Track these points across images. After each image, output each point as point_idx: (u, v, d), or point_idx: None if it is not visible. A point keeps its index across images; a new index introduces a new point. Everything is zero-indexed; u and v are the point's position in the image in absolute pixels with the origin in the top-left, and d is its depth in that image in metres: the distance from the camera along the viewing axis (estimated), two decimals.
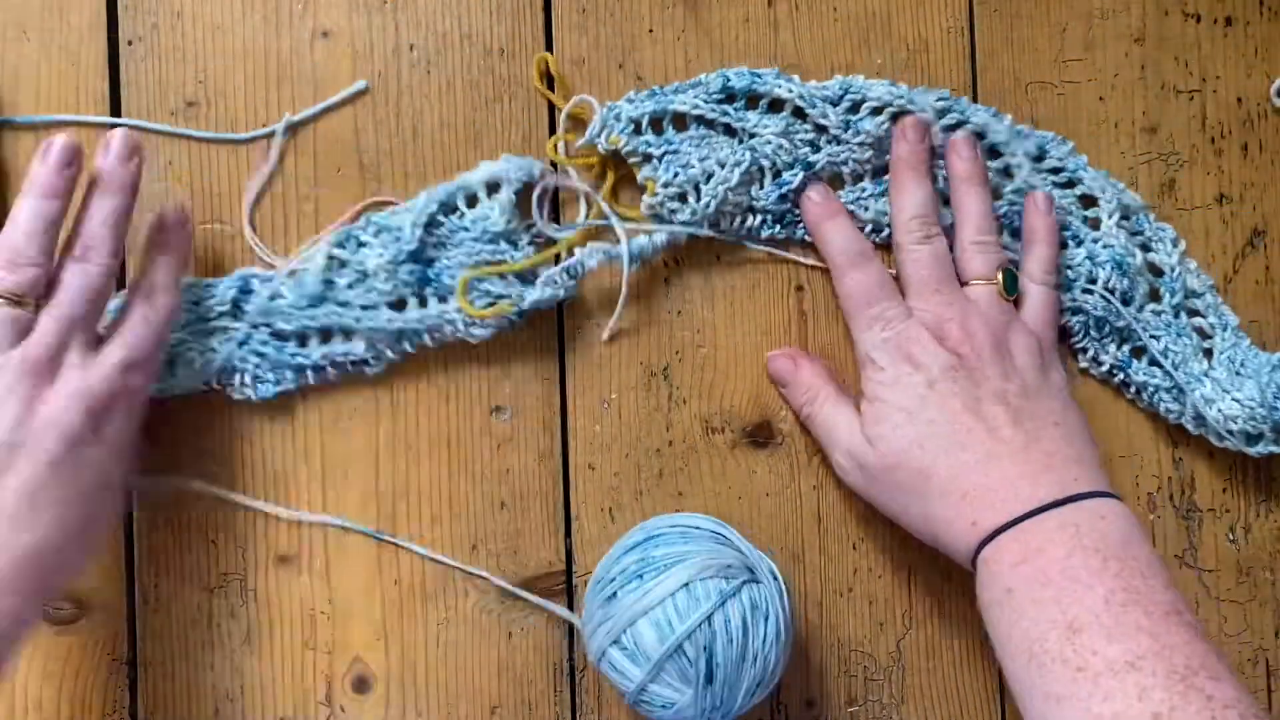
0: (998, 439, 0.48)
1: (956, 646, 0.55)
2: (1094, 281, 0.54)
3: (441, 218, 0.52)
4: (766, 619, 0.48)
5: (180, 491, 0.53)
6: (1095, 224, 0.55)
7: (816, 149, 0.54)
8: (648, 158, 0.53)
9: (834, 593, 0.55)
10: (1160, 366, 0.54)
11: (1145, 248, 0.55)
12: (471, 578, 0.54)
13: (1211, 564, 0.57)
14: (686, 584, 0.47)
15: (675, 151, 0.53)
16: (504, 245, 0.53)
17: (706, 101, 0.53)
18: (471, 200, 0.53)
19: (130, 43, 0.53)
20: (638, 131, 0.53)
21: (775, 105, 0.54)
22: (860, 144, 0.53)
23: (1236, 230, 0.57)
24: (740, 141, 0.54)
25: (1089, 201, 0.55)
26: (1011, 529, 0.45)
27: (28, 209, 0.45)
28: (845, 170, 0.54)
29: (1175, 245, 0.56)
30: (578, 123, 0.54)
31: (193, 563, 0.53)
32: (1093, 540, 0.44)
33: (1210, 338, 0.55)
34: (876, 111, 0.54)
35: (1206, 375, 0.54)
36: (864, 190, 0.54)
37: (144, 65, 0.53)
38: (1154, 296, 0.55)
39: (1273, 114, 0.57)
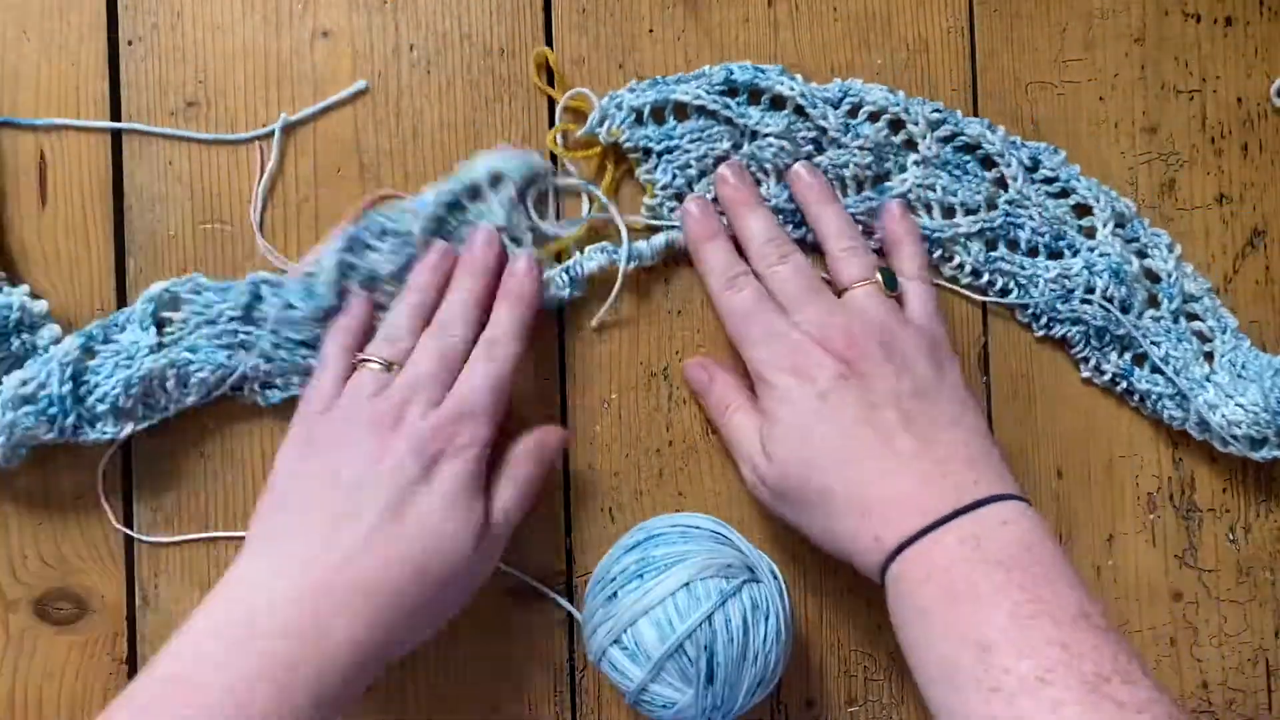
0: (892, 448, 0.47)
1: None
2: (1092, 291, 0.54)
3: (446, 217, 0.53)
4: (767, 618, 0.48)
5: None
6: (1090, 233, 0.55)
7: (820, 150, 0.54)
8: (647, 153, 0.54)
9: (834, 593, 0.55)
10: (1162, 373, 0.55)
11: (1141, 254, 0.56)
12: None
13: (1211, 564, 0.57)
14: (687, 583, 0.47)
15: (675, 148, 0.53)
16: (506, 241, 0.53)
17: (709, 92, 0.53)
18: (474, 193, 0.53)
19: (130, 43, 0.53)
20: (639, 122, 0.53)
21: (777, 103, 0.54)
22: (860, 148, 0.53)
23: (1236, 230, 0.57)
24: (741, 135, 0.54)
25: (1083, 211, 0.56)
26: (914, 544, 0.45)
27: (410, 300, 0.51)
28: (846, 174, 0.54)
29: (1171, 250, 0.56)
30: (578, 116, 0.54)
31: (193, 563, 0.53)
32: (995, 551, 0.44)
33: (1210, 341, 0.55)
34: (874, 117, 0.54)
35: (1209, 380, 0.54)
36: (870, 200, 0.54)
37: (144, 65, 0.53)
38: (1152, 303, 0.55)
39: (1273, 114, 0.57)
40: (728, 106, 0.53)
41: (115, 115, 0.53)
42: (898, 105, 0.54)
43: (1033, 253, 0.55)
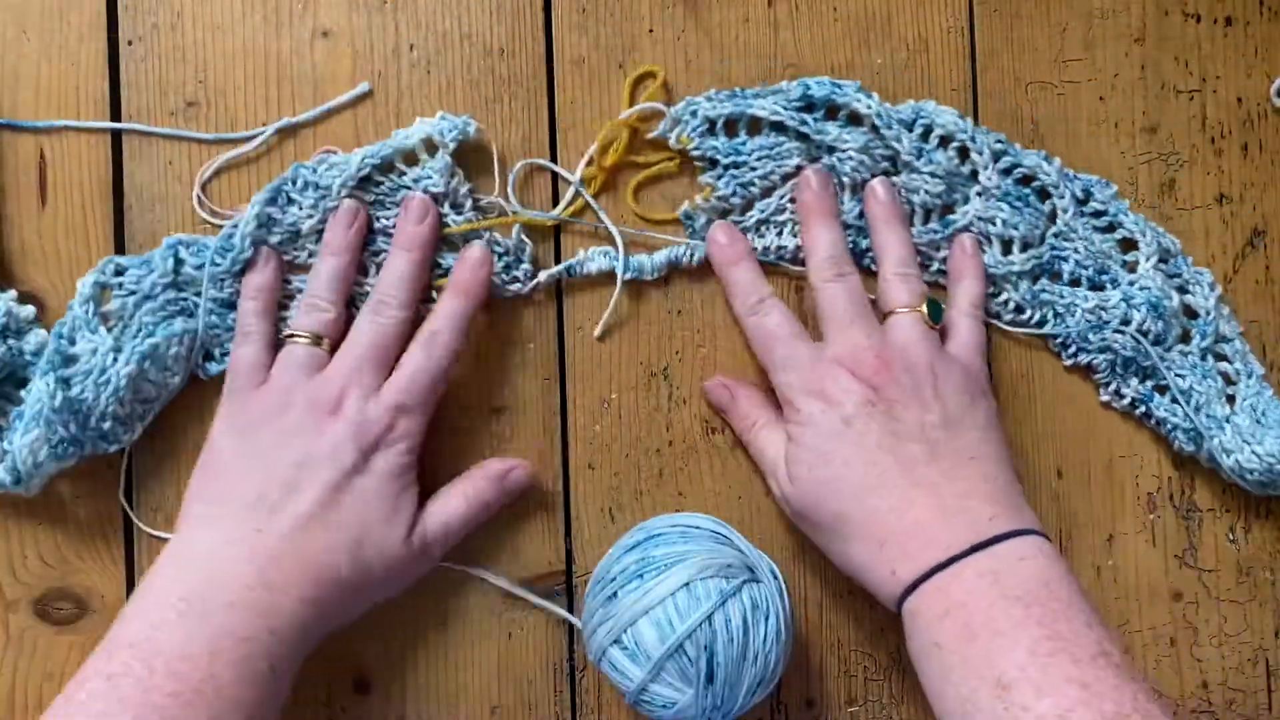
0: (912, 479, 0.47)
1: None
2: (1127, 323, 0.54)
3: (380, 177, 0.52)
4: (767, 618, 0.48)
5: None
6: (1133, 267, 0.55)
7: (895, 170, 0.54)
8: (713, 163, 0.54)
9: (834, 593, 0.55)
10: (1181, 407, 0.54)
11: (1182, 290, 0.56)
12: (472, 577, 0.54)
13: (1211, 564, 0.57)
14: (687, 583, 0.47)
15: (741, 164, 0.53)
16: (445, 208, 0.52)
17: (786, 108, 0.53)
18: (410, 159, 0.53)
19: (130, 43, 0.53)
20: (710, 132, 0.54)
21: (854, 119, 0.54)
22: (932, 174, 0.53)
23: (1236, 230, 0.57)
24: (817, 150, 0.54)
25: (1129, 245, 0.56)
26: (931, 579, 0.45)
27: (327, 266, 0.51)
28: (916, 200, 0.54)
29: (1212, 289, 0.55)
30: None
31: None
32: (1013, 587, 0.44)
33: (1235, 384, 0.55)
34: (944, 142, 0.54)
35: (1228, 421, 0.54)
36: (934, 232, 0.54)
37: (144, 65, 0.53)
38: (1184, 338, 0.55)
39: (1273, 114, 0.57)
40: (805, 123, 0.53)
41: (115, 115, 0.53)
42: (965, 132, 0.54)
43: (1074, 284, 0.55)
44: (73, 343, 0.50)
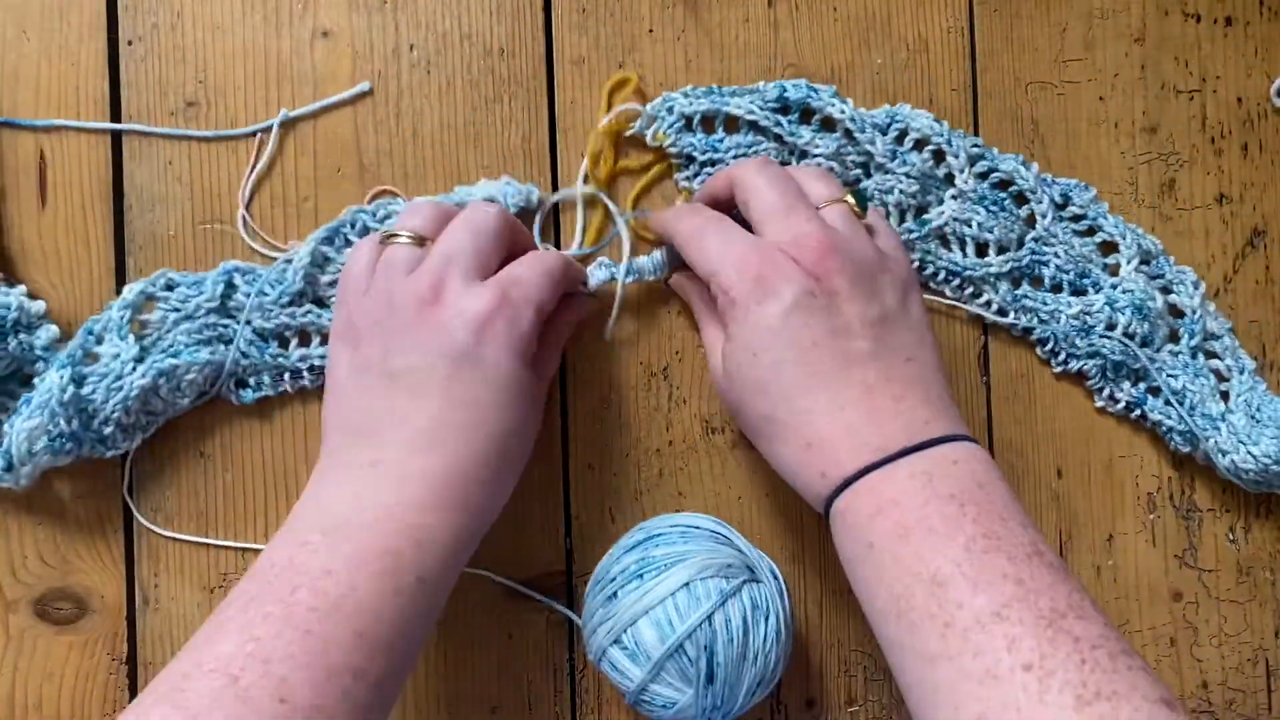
0: (846, 380, 0.45)
1: None
2: (1113, 327, 0.54)
3: None
4: (767, 618, 0.48)
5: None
6: (1115, 270, 0.55)
7: (868, 173, 0.54)
8: (690, 160, 0.54)
9: (834, 593, 0.55)
10: (1175, 409, 0.55)
11: (1166, 290, 0.56)
12: (472, 577, 0.54)
13: (1211, 564, 0.57)
14: (687, 583, 0.47)
15: (718, 161, 0.54)
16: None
17: (762, 108, 0.53)
18: None
19: (130, 43, 0.53)
20: (688, 129, 0.54)
21: (828, 124, 0.54)
22: (907, 175, 0.53)
23: (1236, 230, 0.57)
24: (790, 154, 0.54)
25: (1109, 249, 0.56)
26: (862, 479, 0.43)
27: (425, 201, 0.50)
28: (890, 200, 0.54)
29: (1196, 288, 0.56)
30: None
31: (193, 563, 0.53)
32: (947, 487, 0.42)
33: (1227, 380, 0.55)
34: (920, 145, 0.54)
35: (1224, 419, 0.54)
36: (910, 231, 0.54)
37: (144, 65, 0.53)
38: (1173, 338, 0.56)
39: (1273, 114, 0.57)
40: (779, 124, 0.53)
41: (115, 115, 0.53)
42: (941, 136, 0.54)
43: (1056, 289, 0.55)
44: (99, 342, 0.50)
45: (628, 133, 0.54)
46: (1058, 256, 0.55)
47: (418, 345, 0.45)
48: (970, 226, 0.54)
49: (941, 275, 0.55)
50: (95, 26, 0.53)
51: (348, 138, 0.54)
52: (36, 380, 0.50)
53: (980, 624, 0.39)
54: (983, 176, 0.55)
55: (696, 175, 0.54)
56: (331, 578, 0.41)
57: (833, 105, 0.53)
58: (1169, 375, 0.55)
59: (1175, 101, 0.57)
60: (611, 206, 0.54)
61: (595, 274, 0.53)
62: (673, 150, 0.54)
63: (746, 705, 0.48)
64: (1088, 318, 0.55)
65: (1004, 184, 0.55)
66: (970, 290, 0.55)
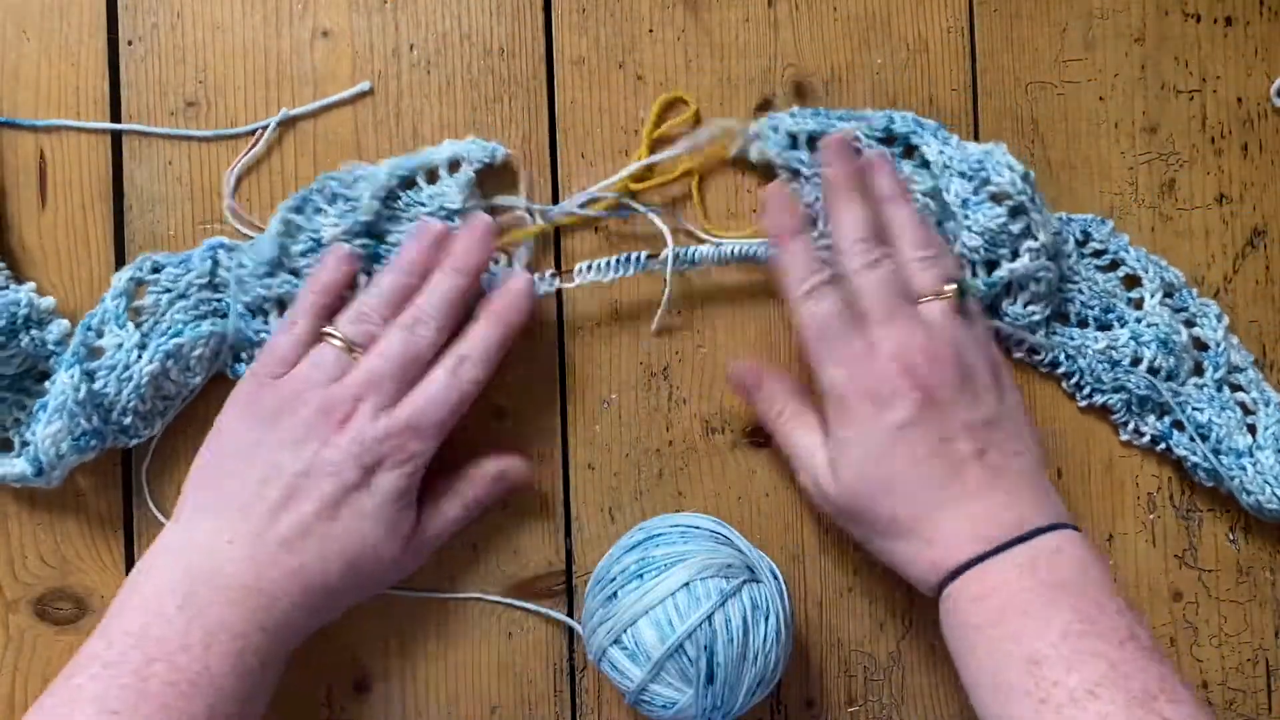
0: (960, 480, 0.47)
1: None
2: (1138, 362, 0.54)
3: (399, 191, 0.52)
4: (767, 618, 0.48)
5: None
6: (1139, 304, 0.55)
7: (951, 218, 0.53)
8: (796, 174, 0.54)
9: (834, 593, 0.55)
10: (1201, 440, 0.54)
11: (1189, 323, 0.55)
12: (470, 577, 0.54)
13: (1211, 564, 0.57)
14: (687, 583, 0.47)
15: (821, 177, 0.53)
16: (459, 224, 0.53)
17: (868, 135, 0.53)
18: (431, 176, 0.53)
19: (130, 43, 0.53)
20: (793, 146, 0.54)
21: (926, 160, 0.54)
22: (969, 230, 0.52)
23: (1236, 230, 0.57)
24: None
25: (1132, 282, 0.55)
26: (971, 569, 0.46)
27: (389, 281, 0.50)
28: (954, 248, 0.53)
29: (1220, 320, 0.55)
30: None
31: None
32: (1048, 574, 0.45)
33: (1254, 413, 0.55)
34: (995, 200, 0.52)
35: (1250, 455, 0.54)
36: (989, 285, 0.53)
37: (144, 65, 0.53)
38: (1197, 370, 0.55)
39: (1273, 114, 0.57)
40: (883, 156, 0.53)
41: (115, 115, 0.53)
42: (1024, 194, 0.52)
43: (1082, 324, 0.55)
44: (100, 335, 0.50)
45: (732, 153, 0.54)
46: (1081, 293, 0.55)
47: (311, 456, 0.47)
48: (1038, 284, 0.53)
49: None
50: (95, 26, 0.53)
51: (347, 137, 0.54)
52: (48, 383, 0.50)
53: (1074, 700, 0.42)
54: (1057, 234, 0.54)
55: (803, 188, 0.54)
56: (187, 654, 0.43)
57: (930, 146, 0.53)
58: (1194, 409, 0.54)
59: (1175, 101, 0.57)
60: (649, 212, 0.54)
61: (612, 270, 0.52)
62: (780, 164, 0.54)
63: (746, 705, 0.48)
64: (1113, 352, 0.54)
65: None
66: (1011, 335, 0.55)
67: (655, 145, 0.54)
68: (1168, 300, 0.55)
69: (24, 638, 0.52)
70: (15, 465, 0.50)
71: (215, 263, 0.52)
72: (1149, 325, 0.54)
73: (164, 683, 0.42)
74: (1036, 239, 0.52)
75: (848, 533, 0.51)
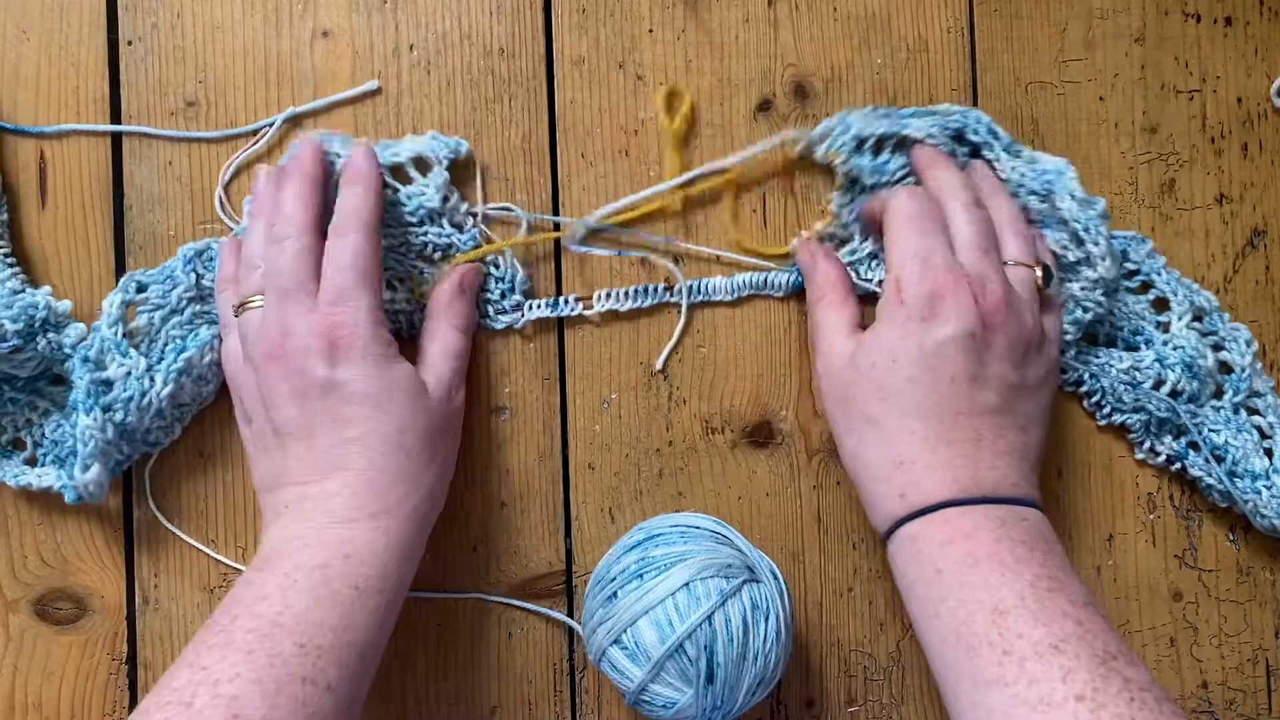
0: (963, 423, 0.47)
1: None
2: (1161, 384, 0.54)
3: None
4: (767, 618, 0.48)
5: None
6: (1167, 327, 0.55)
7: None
8: (854, 182, 0.53)
9: (834, 593, 0.55)
10: (1216, 463, 0.54)
11: (1218, 347, 0.55)
12: (470, 577, 0.54)
13: (1211, 564, 0.57)
14: (687, 583, 0.47)
15: (884, 184, 0.53)
16: (446, 227, 0.53)
17: (941, 132, 0.53)
18: (402, 178, 0.53)
19: (130, 43, 0.53)
20: (859, 149, 0.53)
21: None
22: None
23: (1236, 230, 0.57)
24: None
25: (1161, 305, 0.55)
26: (940, 510, 0.46)
27: (252, 233, 0.49)
28: None
29: (1249, 346, 0.55)
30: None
31: (193, 563, 0.53)
32: (1018, 533, 0.45)
33: (1270, 437, 0.55)
34: (1065, 223, 0.52)
35: (1267, 478, 0.53)
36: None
37: (144, 65, 0.53)
38: (1217, 393, 0.55)
39: (1273, 114, 0.57)
40: (954, 153, 0.53)
41: (115, 115, 0.53)
42: (1096, 207, 0.52)
43: (1109, 343, 0.55)
44: (101, 367, 0.49)
45: (798, 149, 0.54)
46: (1111, 314, 0.55)
47: (286, 396, 0.47)
48: (1085, 312, 0.53)
49: None
50: (95, 26, 0.53)
51: None
52: (72, 394, 0.50)
53: (1038, 654, 0.41)
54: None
55: (851, 203, 0.54)
56: (266, 601, 0.43)
57: (999, 158, 0.53)
58: (1210, 430, 0.54)
59: (1175, 101, 0.57)
60: (672, 268, 0.54)
61: (603, 302, 0.53)
62: (843, 169, 0.53)
63: (746, 705, 0.48)
64: (1136, 373, 0.54)
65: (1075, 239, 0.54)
66: None
67: (682, 141, 0.54)
68: (1196, 324, 0.55)
69: (24, 638, 0.52)
70: (44, 477, 0.51)
71: (198, 274, 0.52)
72: (1175, 348, 0.54)
73: (246, 630, 0.42)
74: (1095, 270, 0.52)
75: (829, 424, 0.51)
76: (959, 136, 0.54)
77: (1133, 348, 0.55)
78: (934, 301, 0.48)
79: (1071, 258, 0.52)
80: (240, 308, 0.49)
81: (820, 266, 0.53)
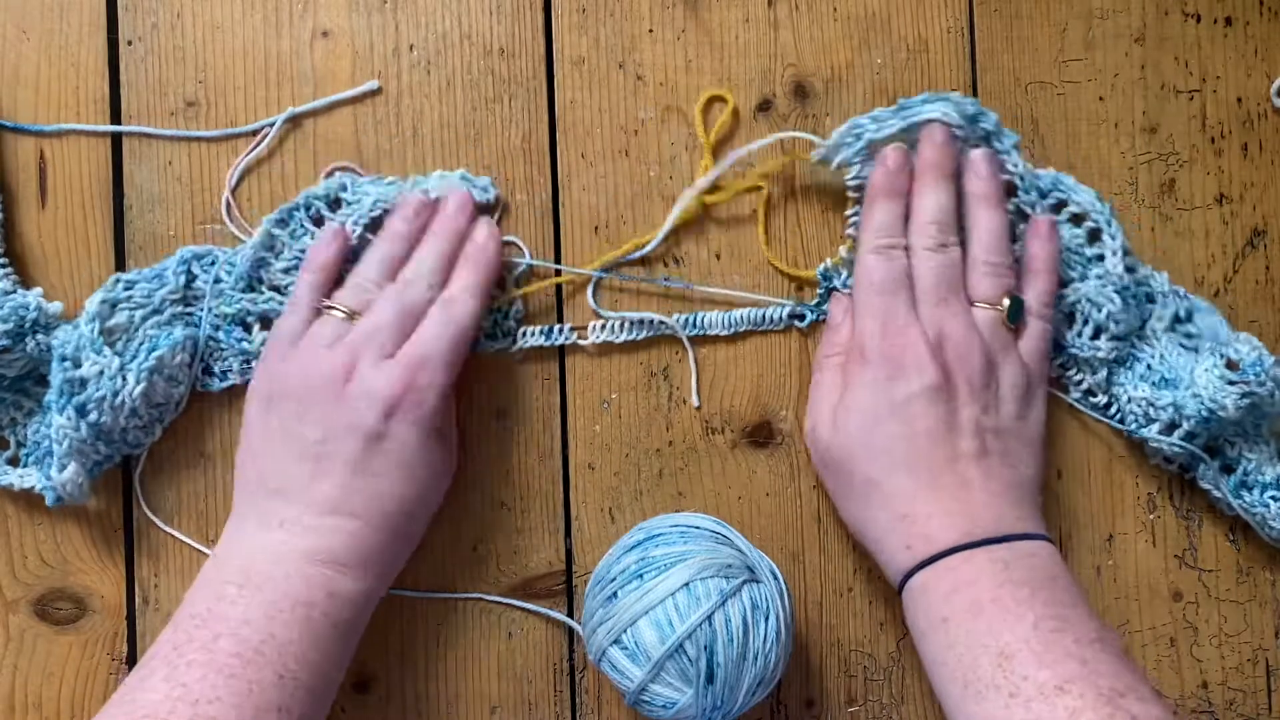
0: (953, 471, 0.48)
1: None
2: (1175, 426, 0.53)
3: (384, 218, 0.53)
4: (767, 618, 0.48)
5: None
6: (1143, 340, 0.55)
7: (1016, 237, 0.53)
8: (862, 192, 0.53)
9: (834, 593, 0.55)
10: (1228, 474, 0.54)
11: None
12: (470, 577, 0.54)
13: (1211, 564, 0.57)
14: (687, 583, 0.47)
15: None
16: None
17: (958, 114, 0.52)
18: None
19: (130, 43, 0.53)
20: (870, 158, 0.53)
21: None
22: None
23: (1236, 230, 0.57)
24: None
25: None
26: (944, 559, 0.47)
27: (380, 251, 0.51)
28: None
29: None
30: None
31: (193, 563, 0.53)
32: (1021, 574, 0.46)
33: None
34: (1077, 220, 0.53)
35: (1278, 487, 0.53)
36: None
37: (144, 65, 0.53)
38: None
39: (1273, 114, 0.57)
40: (966, 140, 0.53)
41: (115, 115, 0.53)
42: (1102, 214, 0.53)
43: (1142, 379, 0.54)
44: (77, 365, 0.49)
45: (813, 161, 0.54)
46: (1154, 359, 0.54)
47: (328, 419, 0.48)
48: (1099, 311, 0.53)
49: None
50: (95, 26, 0.53)
51: (348, 138, 0.54)
52: (47, 427, 0.50)
53: (1043, 695, 0.42)
54: (1130, 270, 0.54)
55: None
56: (250, 626, 0.44)
57: (1008, 156, 0.53)
58: (1226, 442, 0.54)
59: (1175, 101, 0.57)
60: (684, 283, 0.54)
61: (597, 334, 0.54)
62: (852, 184, 0.54)
63: (746, 705, 0.48)
64: (1151, 409, 0.53)
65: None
66: (1074, 370, 0.54)
67: (716, 150, 0.54)
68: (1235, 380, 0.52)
69: (24, 638, 0.52)
70: (26, 478, 0.51)
71: (190, 275, 0.52)
72: (1194, 396, 0.52)
73: (230, 654, 0.43)
74: (1105, 266, 0.52)
75: (829, 493, 0.52)
76: (974, 120, 0.53)
77: (1160, 388, 0.53)
78: (893, 360, 0.49)
79: (1090, 254, 0.53)
80: (327, 309, 0.50)
81: (844, 327, 0.53)
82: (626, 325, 0.54)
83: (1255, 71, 0.57)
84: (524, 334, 0.54)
